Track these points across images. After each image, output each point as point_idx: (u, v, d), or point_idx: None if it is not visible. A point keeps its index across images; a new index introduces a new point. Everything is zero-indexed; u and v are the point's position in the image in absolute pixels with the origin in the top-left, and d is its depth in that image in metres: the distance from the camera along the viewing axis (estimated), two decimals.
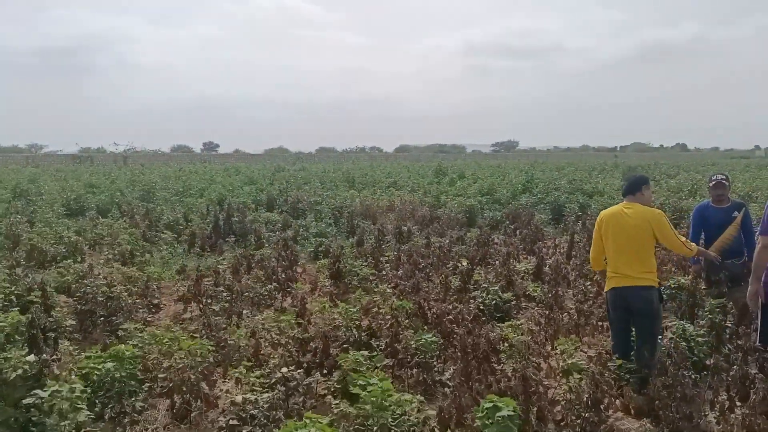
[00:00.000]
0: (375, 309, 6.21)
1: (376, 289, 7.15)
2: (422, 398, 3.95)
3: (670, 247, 4.81)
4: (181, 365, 4.44)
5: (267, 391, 4.19)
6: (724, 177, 6.28)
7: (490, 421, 2.76)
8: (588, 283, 7.78)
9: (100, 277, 7.29)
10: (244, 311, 6.75)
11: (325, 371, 5.11)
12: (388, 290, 6.84)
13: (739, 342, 4.82)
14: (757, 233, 4.74)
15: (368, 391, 3.17)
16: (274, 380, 4.33)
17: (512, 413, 2.78)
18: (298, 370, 4.60)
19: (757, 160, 48.19)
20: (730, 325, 5.47)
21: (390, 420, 3.08)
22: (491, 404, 2.82)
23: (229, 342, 5.30)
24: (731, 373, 4.53)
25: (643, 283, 4.72)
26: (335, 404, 3.41)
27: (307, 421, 2.91)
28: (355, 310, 5.83)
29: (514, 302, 7.11)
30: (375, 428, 3.04)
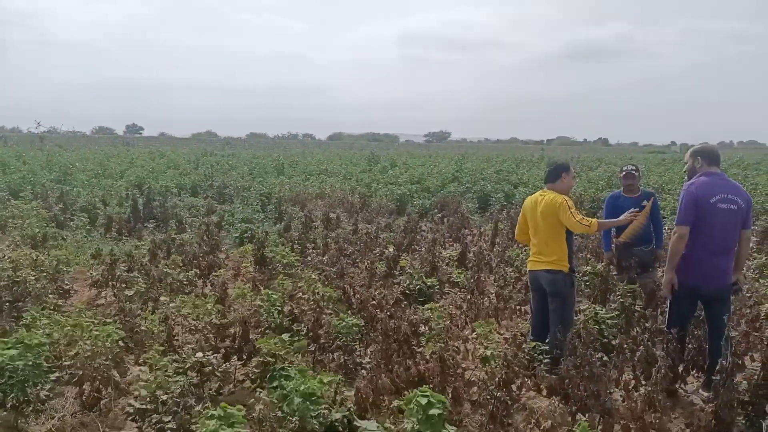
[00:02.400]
0: (299, 295, 6.16)
1: (301, 275, 7.09)
2: (341, 379, 3.95)
3: (571, 228, 4.97)
4: (88, 352, 4.24)
5: (181, 377, 4.07)
6: (634, 168, 6.55)
7: (420, 417, 2.75)
8: (509, 269, 8.00)
9: (6, 260, 6.87)
10: (162, 297, 6.53)
11: (244, 357, 5.03)
12: (313, 276, 6.79)
13: (647, 324, 5.04)
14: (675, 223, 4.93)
15: (287, 381, 3.11)
16: (188, 366, 4.21)
17: (440, 411, 2.78)
18: (215, 356, 4.50)
19: (672, 155, 50.87)
20: (638, 308, 5.74)
21: (311, 408, 3.04)
22: (425, 399, 2.79)
23: (141, 328, 5.11)
24: (637, 353, 4.75)
25: (550, 267, 4.95)
26: (252, 390, 3.33)
27: (223, 412, 2.82)
28: (277, 295, 5.74)
29: (437, 287, 7.21)
30: (295, 418, 2.99)
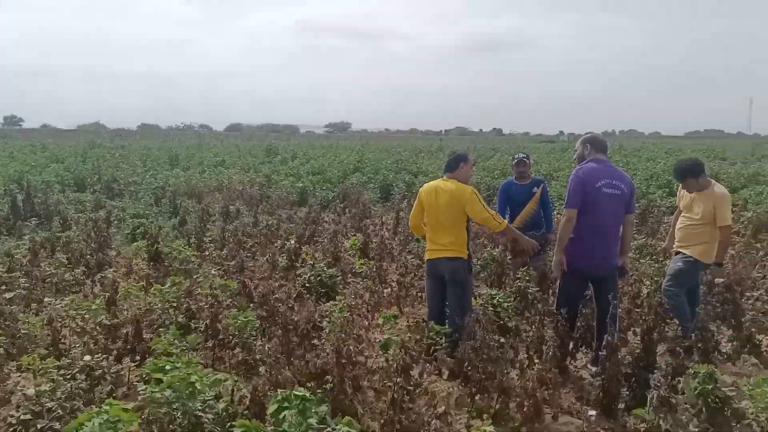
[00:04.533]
0: (196, 291, 5.94)
1: (198, 270, 6.85)
2: (236, 377, 3.85)
3: (481, 222, 5.11)
4: None
5: (69, 382, 3.81)
6: (525, 156, 6.83)
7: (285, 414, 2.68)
8: (411, 257, 8.11)
9: None
10: (46, 298, 6.09)
11: (137, 357, 4.78)
12: (212, 271, 6.57)
13: (539, 306, 5.28)
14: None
15: (171, 375, 2.96)
16: (76, 370, 3.94)
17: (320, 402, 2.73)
18: (106, 358, 4.24)
19: (561, 144, 53.82)
20: (531, 291, 5.99)
21: (198, 404, 2.93)
22: (280, 401, 2.71)
23: (22, 331, 4.73)
24: (530, 334, 4.96)
25: (452, 254, 5.02)
26: (142, 390, 3.16)
27: (107, 407, 2.65)
28: (171, 292, 5.50)
29: (340, 278, 7.19)
30: (180, 412, 2.87)
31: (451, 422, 3.26)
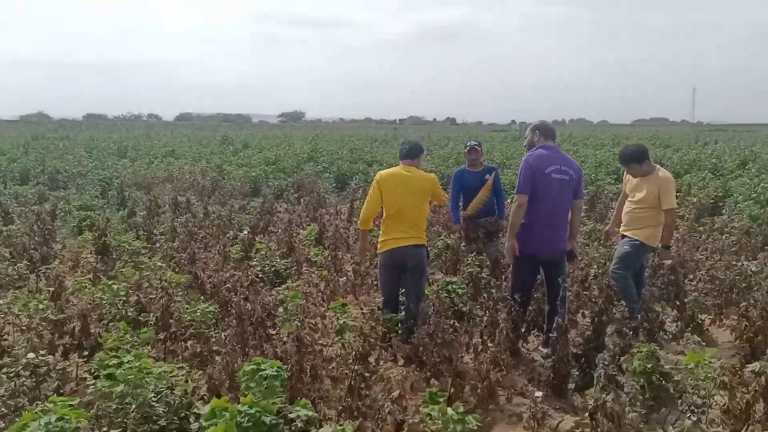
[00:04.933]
0: (146, 284, 5.82)
1: (148, 263, 6.70)
2: (188, 368, 3.79)
3: (441, 203, 5.43)
4: None
5: (12, 380, 3.68)
6: (477, 143, 6.90)
7: (254, 383, 2.71)
8: (358, 246, 8.10)
9: None
10: None
11: (86, 352, 4.65)
12: (161, 263, 6.43)
13: (492, 291, 5.36)
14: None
15: (123, 369, 2.90)
16: (20, 368, 3.81)
17: (275, 373, 2.75)
18: (52, 354, 4.12)
19: (513, 133, 54.69)
20: (485, 276, 6.08)
21: (152, 395, 2.87)
22: (254, 366, 2.76)
23: None
24: (484, 318, 5.04)
25: (418, 242, 5.01)
26: (92, 384, 3.08)
27: (52, 405, 2.58)
28: (120, 285, 5.36)
29: (294, 267, 7.14)
30: (134, 406, 2.81)
31: (405, 406, 3.29)
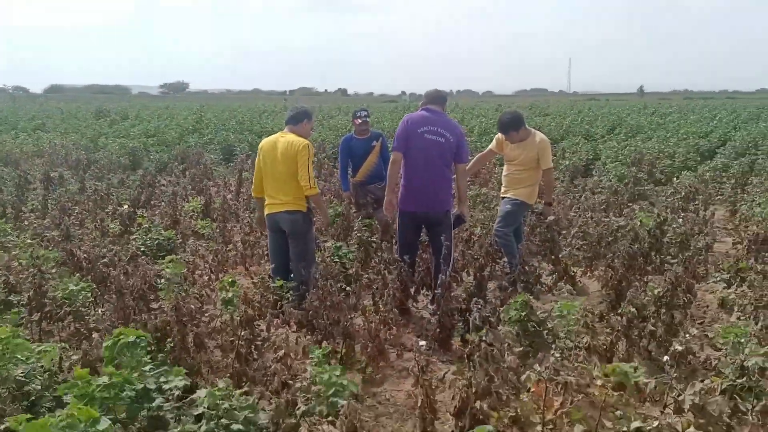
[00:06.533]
0: (15, 263, 5.42)
1: (16, 242, 6.23)
2: (67, 348, 3.59)
3: (299, 180, 4.91)
4: None
5: None
6: (366, 113, 6.94)
7: (117, 355, 2.59)
8: (255, 216, 7.97)
9: None
10: None
11: None
12: (29, 241, 5.98)
13: (383, 255, 5.46)
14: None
15: None
16: None
17: (135, 341, 2.64)
18: None
19: (403, 104, 55.54)
20: (375, 240, 6.17)
21: (19, 370, 2.69)
22: (114, 337, 2.64)
23: None
24: (376, 281, 5.12)
25: (290, 208, 4.97)
26: None
27: None
28: None
29: (180, 241, 6.90)
30: None
31: (290, 365, 3.30)
